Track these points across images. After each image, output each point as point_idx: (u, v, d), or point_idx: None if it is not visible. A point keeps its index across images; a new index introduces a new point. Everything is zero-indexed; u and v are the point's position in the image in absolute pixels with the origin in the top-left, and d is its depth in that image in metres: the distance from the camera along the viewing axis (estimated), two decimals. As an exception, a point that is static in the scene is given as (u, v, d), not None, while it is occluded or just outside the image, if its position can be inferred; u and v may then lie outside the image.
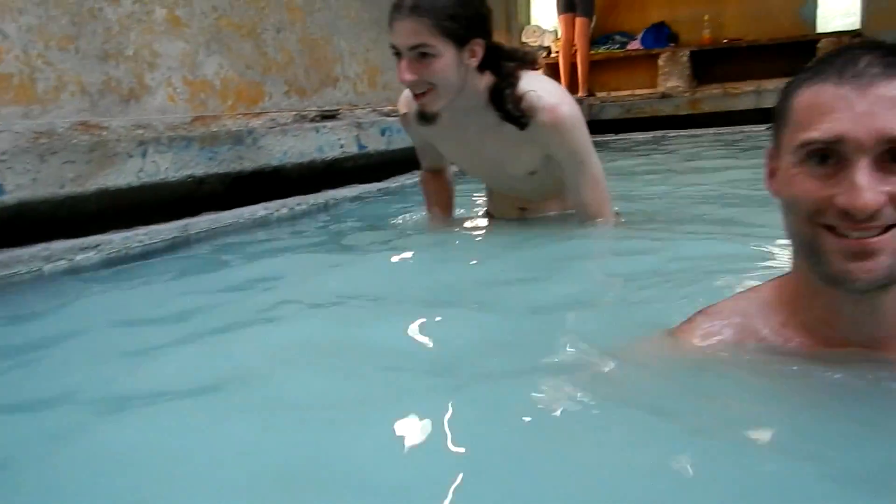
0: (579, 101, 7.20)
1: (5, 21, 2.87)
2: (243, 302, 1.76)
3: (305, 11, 4.76)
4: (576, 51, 7.58)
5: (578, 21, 7.38)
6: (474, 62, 1.96)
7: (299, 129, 3.05)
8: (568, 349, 1.25)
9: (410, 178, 3.98)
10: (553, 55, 8.06)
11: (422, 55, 1.88)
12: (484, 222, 2.53)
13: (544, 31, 8.51)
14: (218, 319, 1.60)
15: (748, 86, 7.03)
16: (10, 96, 2.92)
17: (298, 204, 3.07)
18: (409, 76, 1.89)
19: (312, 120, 3.23)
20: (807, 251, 0.97)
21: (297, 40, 4.80)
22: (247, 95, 4.40)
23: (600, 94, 8.06)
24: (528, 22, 8.93)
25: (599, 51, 8.62)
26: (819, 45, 7.42)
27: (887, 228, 0.91)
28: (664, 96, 7.49)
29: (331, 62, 5.26)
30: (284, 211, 2.98)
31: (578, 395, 1.06)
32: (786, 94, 0.99)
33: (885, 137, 0.89)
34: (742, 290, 1.15)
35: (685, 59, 7.96)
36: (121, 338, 1.51)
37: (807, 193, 0.94)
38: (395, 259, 2.09)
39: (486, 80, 2.02)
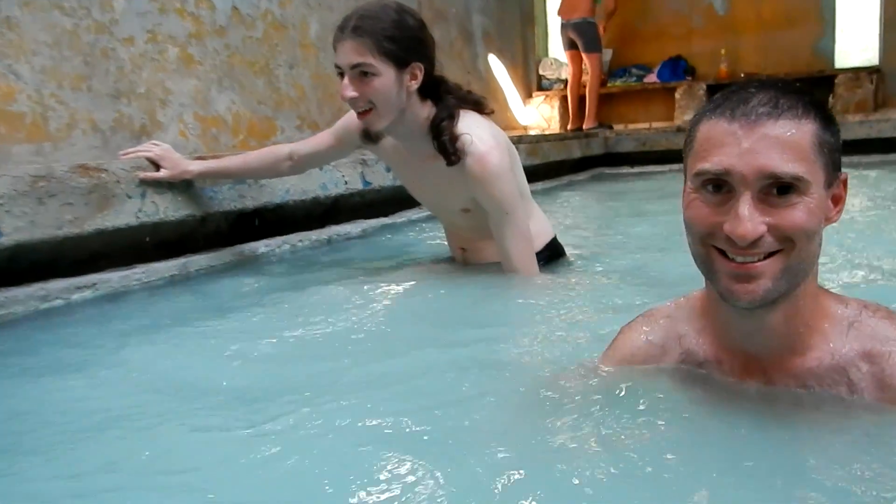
0: (585, 135, 7.25)
1: (19, 62, 2.97)
2: (227, 337, 1.82)
3: (318, 48, 4.86)
4: (585, 84, 7.65)
5: (587, 56, 7.43)
6: (414, 85, 2.05)
7: (302, 167, 3.09)
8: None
9: (417, 213, 4.01)
10: (570, 87, 8.10)
11: (363, 74, 1.98)
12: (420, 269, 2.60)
13: (562, 64, 8.54)
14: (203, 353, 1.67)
15: (764, 120, 6.97)
16: (22, 135, 3.01)
17: (300, 241, 3.10)
18: (350, 93, 1.99)
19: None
20: (702, 269, 1.10)
21: (309, 76, 4.89)
22: (259, 130, 4.49)
23: (617, 127, 8.07)
24: (546, 55, 9.00)
25: (616, 83, 8.66)
26: (836, 80, 7.39)
27: (769, 255, 1.02)
28: (680, 130, 7.47)
29: (344, 96, 5.36)
30: (286, 248, 3.02)
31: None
32: (692, 125, 1.09)
33: (765, 173, 0.98)
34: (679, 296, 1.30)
35: (702, 92, 7.95)
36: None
37: (700, 218, 1.05)
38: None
39: (428, 109, 2.12)
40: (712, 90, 7.97)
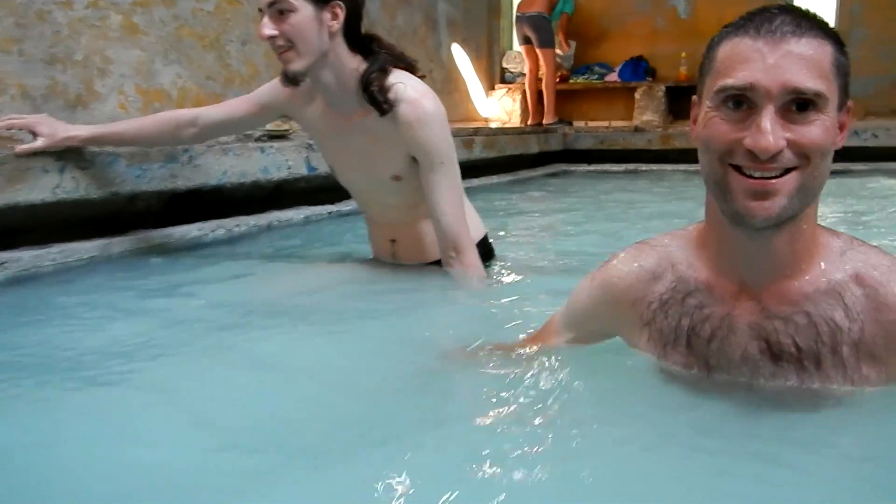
0: (544, 130, 7.24)
1: (-60, 20, 2.79)
2: (139, 328, 1.71)
3: (274, 25, 4.70)
4: (542, 79, 7.65)
5: (540, 52, 7.46)
6: (335, 25, 1.99)
7: (242, 149, 2.97)
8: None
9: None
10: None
11: (280, 12, 1.93)
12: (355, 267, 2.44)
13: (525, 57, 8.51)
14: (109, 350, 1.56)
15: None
16: (-59, 97, 2.83)
17: (237, 225, 2.99)
18: (268, 31, 1.94)
19: (258, 139, 3.15)
20: (715, 189, 1.10)
21: (263, 54, 4.73)
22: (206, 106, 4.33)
23: (577, 124, 8.07)
24: (511, 47, 8.93)
25: (578, 80, 8.65)
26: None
27: (786, 171, 1.03)
28: (637, 130, 7.49)
29: (299, 77, 5.21)
30: (221, 232, 2.90)
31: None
32: (710, 47, 1.11)
33: (789, 88, 1.01)
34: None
35: (661, 94, 7.99)
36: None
37: (720, 135, 1.06)
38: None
39: (358, 62, 2.07)
40: (671, 92, 8.04)
